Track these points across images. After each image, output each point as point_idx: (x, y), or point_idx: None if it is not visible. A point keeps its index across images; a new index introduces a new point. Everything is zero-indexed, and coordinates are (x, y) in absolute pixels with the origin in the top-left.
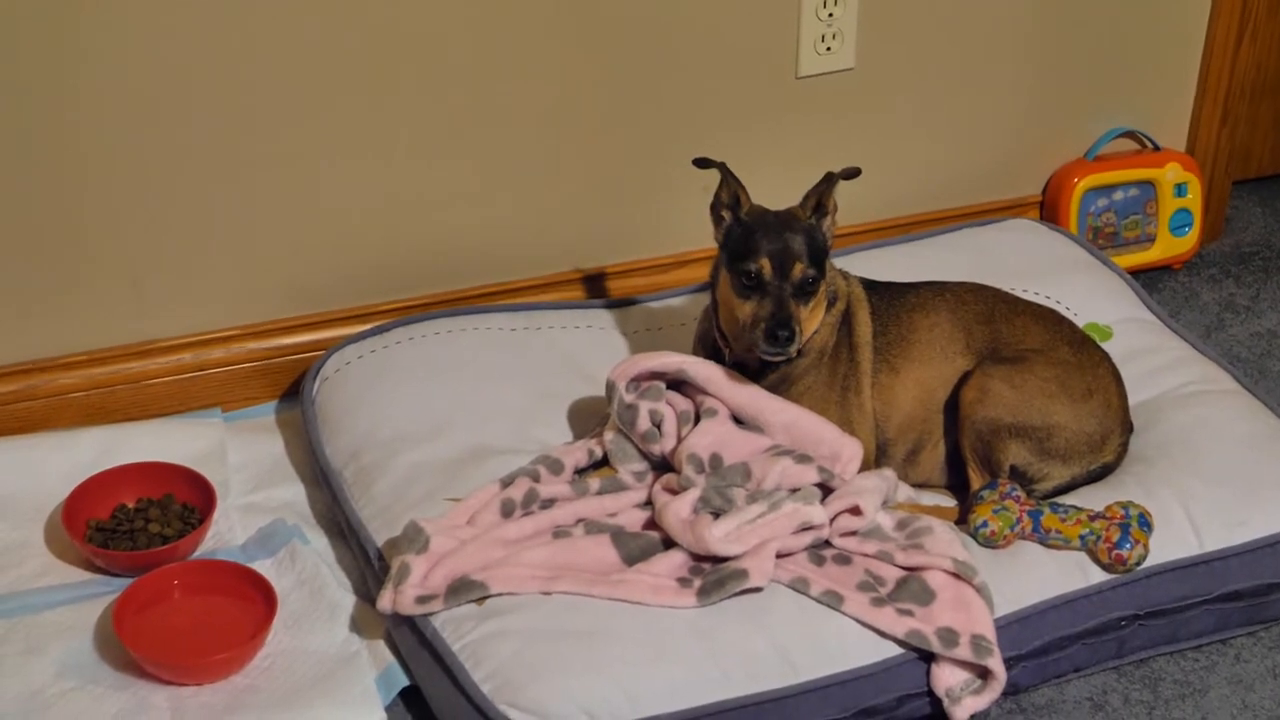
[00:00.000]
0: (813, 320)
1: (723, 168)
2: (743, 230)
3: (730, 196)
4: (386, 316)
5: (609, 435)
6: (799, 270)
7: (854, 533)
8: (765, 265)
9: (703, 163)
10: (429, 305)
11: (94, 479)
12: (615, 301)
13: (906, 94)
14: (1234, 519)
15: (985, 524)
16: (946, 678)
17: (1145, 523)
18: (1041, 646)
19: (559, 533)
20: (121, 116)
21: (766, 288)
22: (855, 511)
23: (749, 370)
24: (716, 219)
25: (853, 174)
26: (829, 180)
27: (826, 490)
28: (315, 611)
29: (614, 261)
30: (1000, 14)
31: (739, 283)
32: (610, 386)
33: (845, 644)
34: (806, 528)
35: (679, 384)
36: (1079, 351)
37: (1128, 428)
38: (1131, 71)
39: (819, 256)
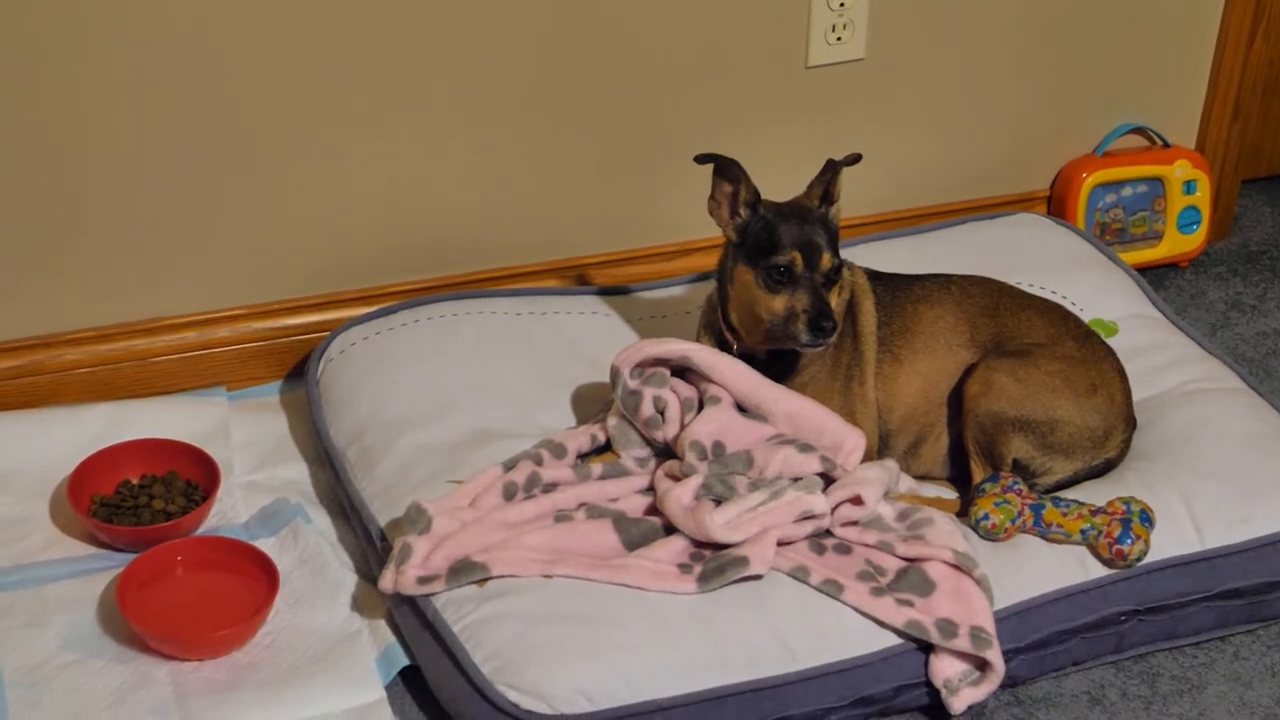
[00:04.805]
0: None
1: (734, 165)
2: (763, 225)
3: (751, 194)
4: (392, 299)
5: (612, 420)
6: (827, 260)
7: (855, 522)
8: (797, 258)
9: (706, 159)
10: (434, 288)
11: (98, 455)
12: (620, 288)
13: (916, 86)
14: (1235, 517)
15: (986, 516)
16: (945, 668)
17: (1147, 518)
18: (1040, 639)
19: (560, 516)
20: (132, 94)
21: (799, 280)
22: (856, 501)
23: (755, 360)
24: (731, 215)
25: (854, 160)
26: (833, 168)
27: (828, 480)
28: (317, 590)
29: (620, 248)
30: (1012, 7)
31: (767, 278)
32: (614, 372)
33: (844, 633)
34: (808, 517)
35: (683, 371)
36: (1084, 346)
37: (1131, 423)
38: (1142, 67)
39: (836, 245)
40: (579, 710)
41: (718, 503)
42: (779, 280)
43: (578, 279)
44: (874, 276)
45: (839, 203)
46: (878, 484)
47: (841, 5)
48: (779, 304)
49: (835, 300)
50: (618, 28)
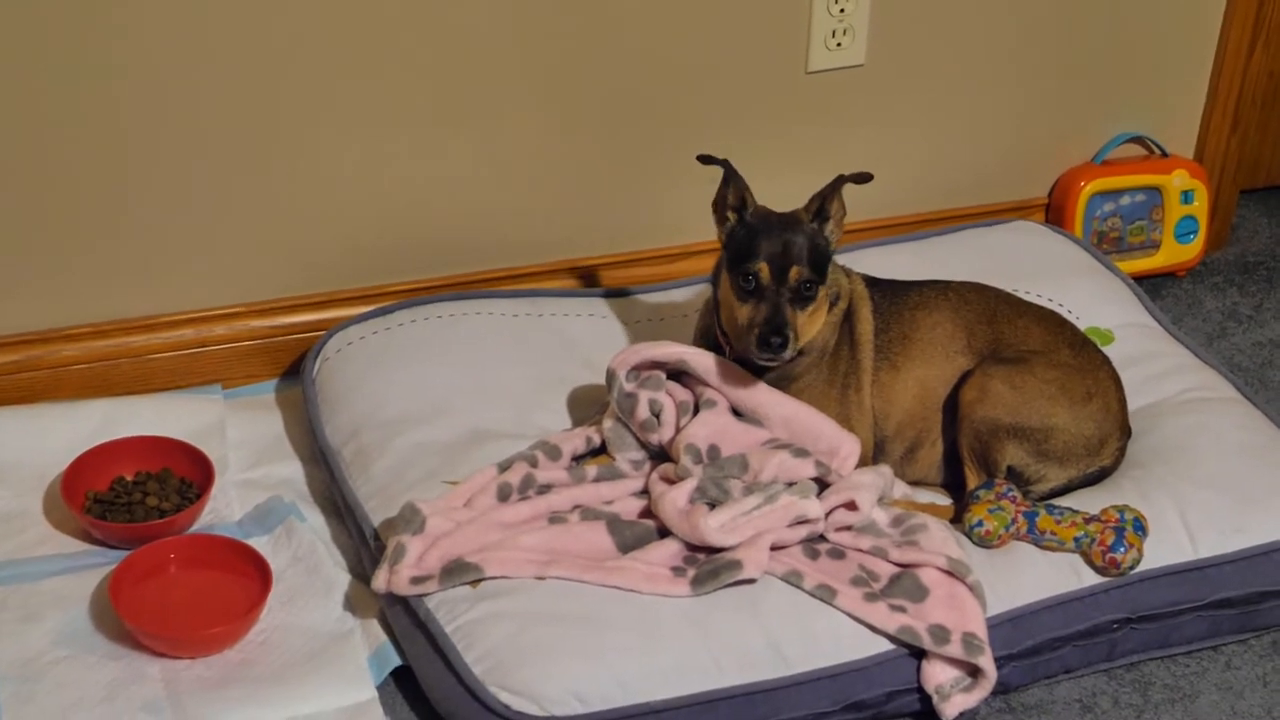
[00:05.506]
0: (811, 325)
1: (728, 168)
2: (745, 232)
3: (737, 198)
4: (390, 298)
5: (608, 423)
6: (796, 275)
7: (849, 528)
8: (763, 269)
9: (707, 159)
10: (433, 288)
11: (92, 451)
12: (618, 290)
13: (915, 92)
14: (1229, 526)
15: (980, 523)
16: (937, 674)
17: (1140, 527)
18: (1033, 647)
19: (555, 518)
20: (130, 92)
21: (764, 292)
22: (851, 506)
23: (750, 366)
24: (720, 218)
25: (863, 179)
26: (835, 183)
27: (823, 485)
28: (310, 589)
29: (618, 251)
30: (1011, 15)
31: (738, 285)
32: (611, 375)
33: (837, 638)
34: (802, 521)
35: (679, 374)
36: (1080, 354)
37: (1126, 432)
38: (1142, 77)
39: (819, 261)
40: (571, 712)
41: (712, 506)
42: (747, 289)
43: (578, 280)
44: (872, 283)
45: (839, 219)
46: (872, 489)
47: (842, 11)
48: (744, 313)
49: (813, 316)
50: (620, 31)
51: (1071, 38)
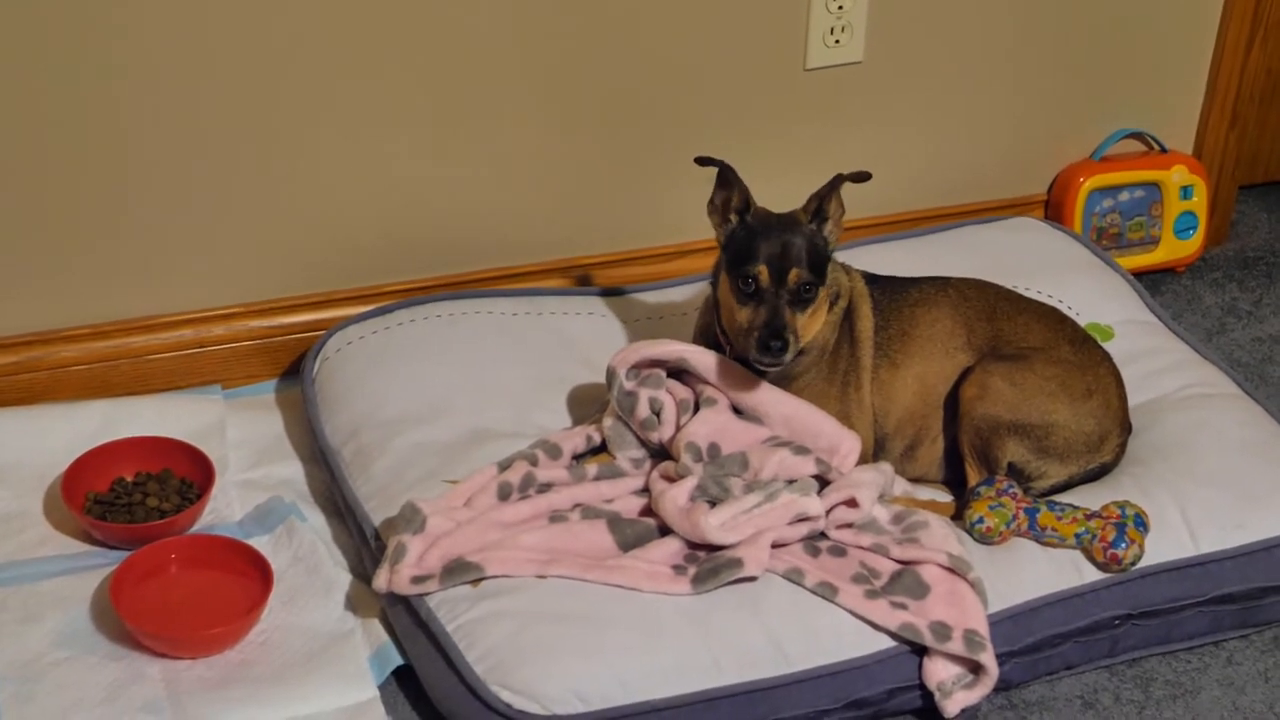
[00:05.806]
0: (811, 326)
1: (728, 169)
2: (744, 234)
3: (741, 200)
4: (389, 298)
5: (608, 422)
6: (795, 277)
7: (850, 525)
8: (763, 272)
9: (705, 161)
10: (432, 287)
11: (93, 451)
12: (617, 289)
13: (914, 89)
14: (1230, 522)
15: (981, 520)
16: (938, 671)
17: (1141, 523)
18: (1034, 643)
19: (555, 517)
20: (129, 93)
21: (763, 295)
22: (851, 504)
23: (750, 364)
24: (722, 220)
25: (862, 178)
26: (834, 183)
27: (823, 482)
28: (311, 589)
29: (617, 250)
30: (1010, 11)
31: (737, 288)
32: (611, 373)
33: (838, 635)
34: (802, 519)
35: (679, 373)
36: (1080, 351)
37: (1126, 428)
38: (1140, 72)
39: (818, 262)
40: (572, 711)
41: (713, 504)
42: (746, 292)
43: (576, 279)
44: (871, 280)
45: (838, 218)
46: (873, 487)
47: (840, 8)
48: (744, 316)
49: (813, 317)
50: (618, 29)
51: (1070, 34)
